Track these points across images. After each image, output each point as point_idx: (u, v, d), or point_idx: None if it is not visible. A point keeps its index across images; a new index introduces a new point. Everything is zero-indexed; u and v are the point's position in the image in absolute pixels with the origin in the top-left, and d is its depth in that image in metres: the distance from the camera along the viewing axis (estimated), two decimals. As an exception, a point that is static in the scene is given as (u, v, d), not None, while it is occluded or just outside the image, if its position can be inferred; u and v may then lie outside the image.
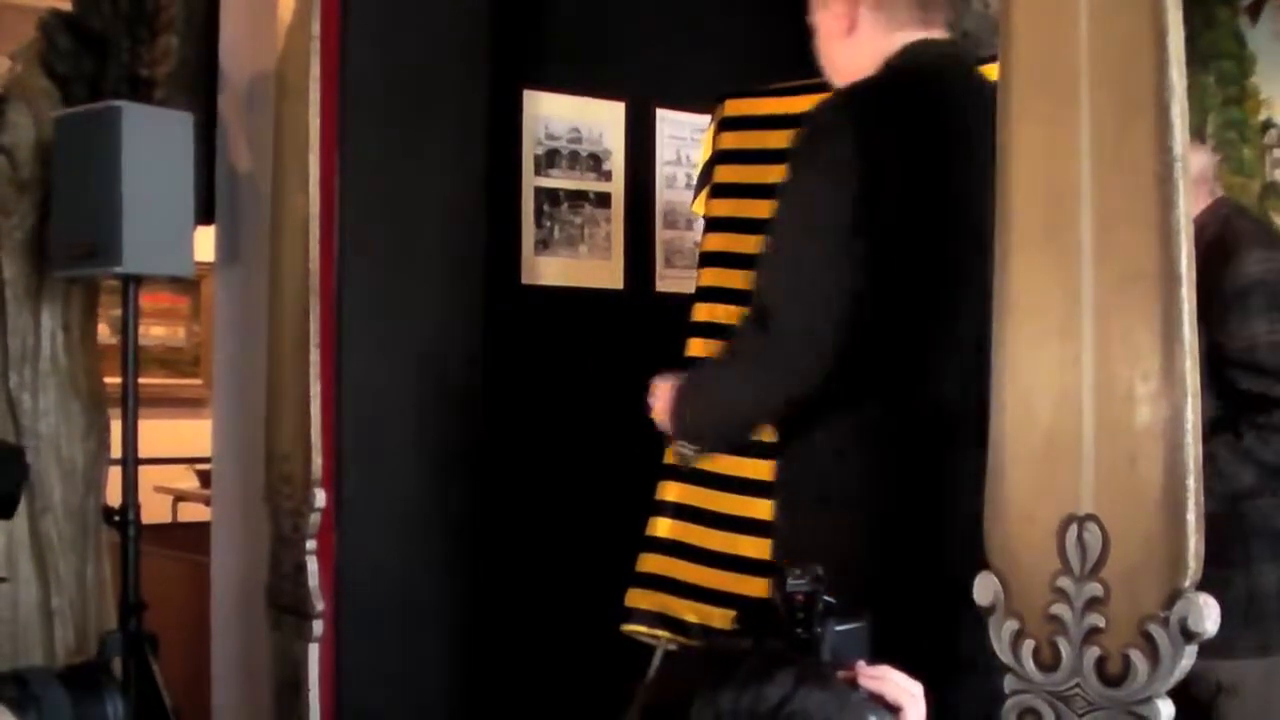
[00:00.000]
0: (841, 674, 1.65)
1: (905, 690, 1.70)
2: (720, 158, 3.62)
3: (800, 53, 3.77)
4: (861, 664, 1.73)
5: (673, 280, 4.32)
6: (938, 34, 2.51)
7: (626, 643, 3.44)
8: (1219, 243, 3.13)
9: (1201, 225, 3.23)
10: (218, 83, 4.09)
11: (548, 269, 3.83)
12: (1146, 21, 1.97)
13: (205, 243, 4.03)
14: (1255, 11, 4.84)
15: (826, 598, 1.80)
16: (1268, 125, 4.74)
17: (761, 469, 3.18)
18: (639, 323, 3.58)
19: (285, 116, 3.66)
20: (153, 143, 3.49)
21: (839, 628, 1.78)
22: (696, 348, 3.45)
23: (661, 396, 2.56)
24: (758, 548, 3.22)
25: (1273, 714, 3.09)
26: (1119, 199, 1.99)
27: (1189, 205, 1.96)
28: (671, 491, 3.50)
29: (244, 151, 4.05)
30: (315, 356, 3.48)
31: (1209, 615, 1.93)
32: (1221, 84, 4.80)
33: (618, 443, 3.47)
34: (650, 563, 3.50)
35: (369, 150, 3.75)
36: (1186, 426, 1.94)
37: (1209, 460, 2.83)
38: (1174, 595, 1.94)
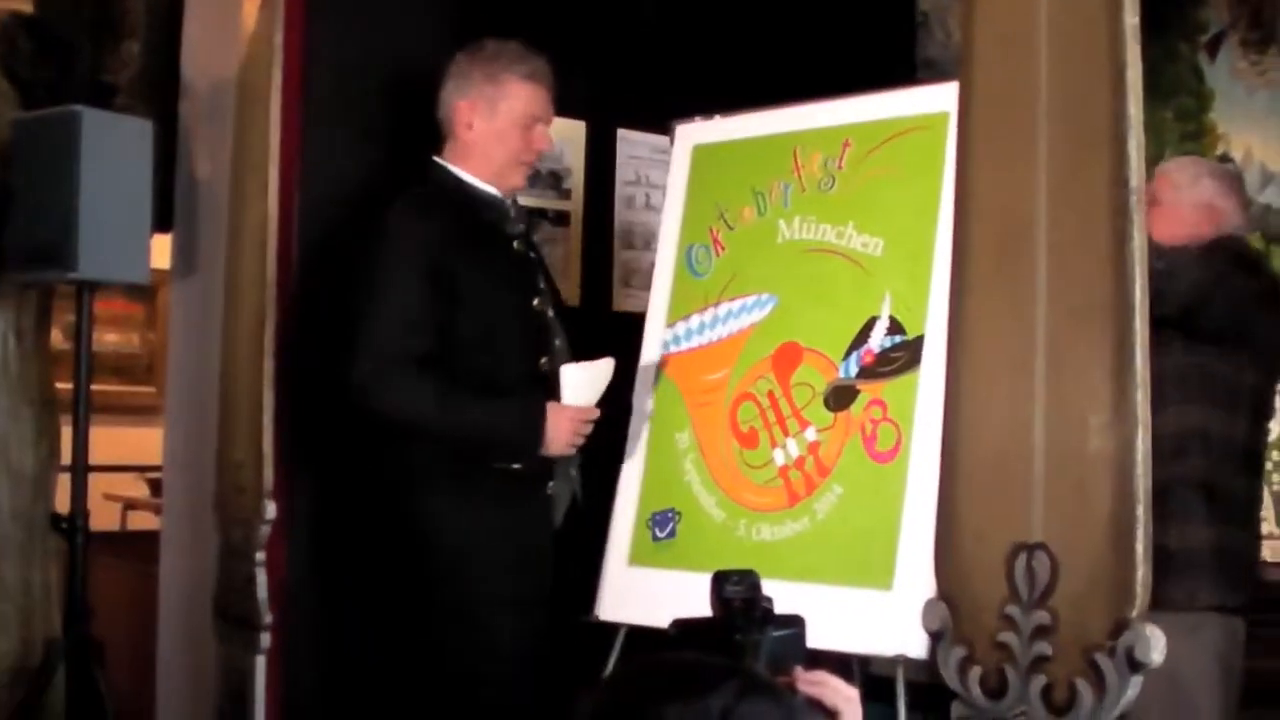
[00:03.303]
0: (780, 680, 1.65)
1: (843, 694, 1.71)
2: None
3: (760, 76, 3.80)
4: (799, 670, 1.73)
5: (630, 300, 4.31)
6: None
7: (587, 637, 3.43)
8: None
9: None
10: (179, 89, 4.07)
11: (505, 285, 3.81)
12: (1105, 56, 1.99)
13: (162, 250, 4.01)
14: (1214, 48, 4.89)
15: (764, 604, 1.80)
16: (1224, 160, 4.79)
17: None
18: (596, 342, 3.58)
19: (246, 125, 3.65)
20: (112, 149, 3.47)
21: (776, 634, 1.78)
22: None
23: None
24: None
25: (1193, 668, 3.14)
26: (1073, 231, 2.01)
27: (1143, 238, 1.97)
28: None
29: (203, 159, 4.03)
30: (270, 366, 3.47)
31: (1155, 645, 1.94)
32: (1180, 119, 4.85)
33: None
34: None
35: (329, 161, 3.74)
36: (1137, 457, 1.95)
37: None
38: (1121, 625, 1.95)
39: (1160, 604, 3.14)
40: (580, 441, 3.34)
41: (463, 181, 3.43)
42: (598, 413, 3.35)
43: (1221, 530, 3.33)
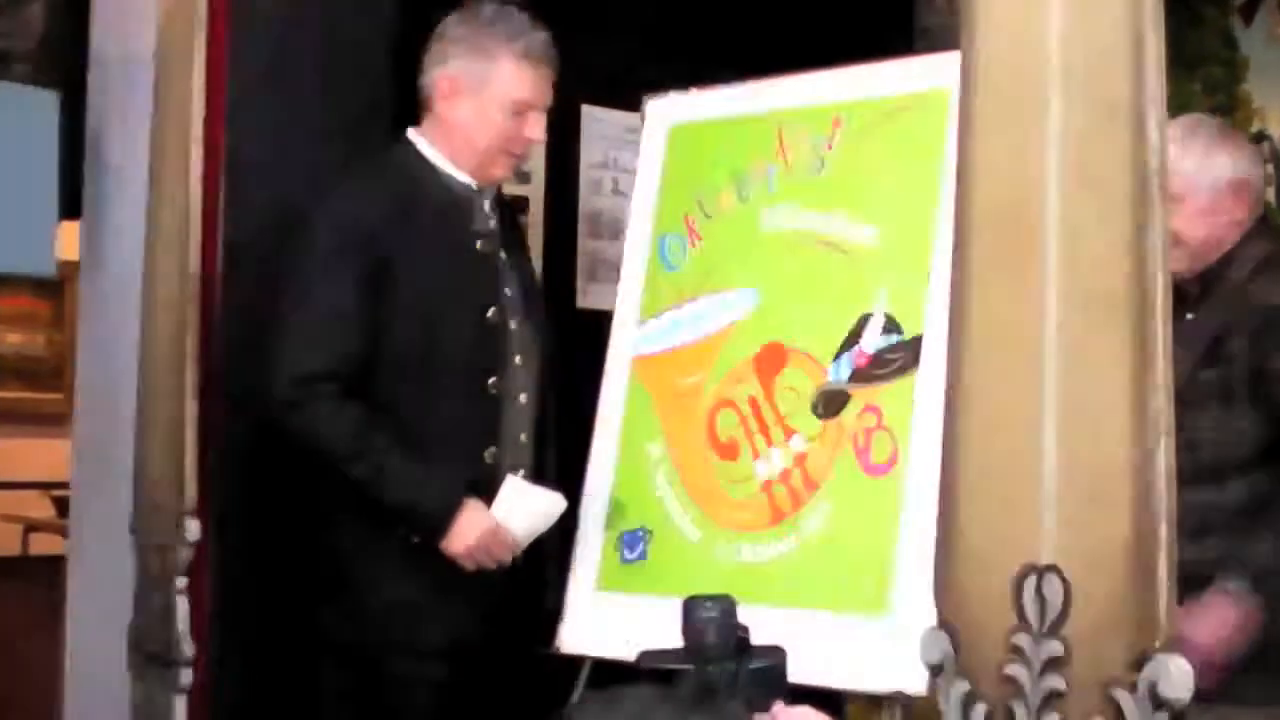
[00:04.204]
0: (759, 716, 1.65)
1: None
2: None
3: (742, 47, 3.80)
4: (779, 705, 1.74)
5: (597, 296, 4.31)
6: None
7: (550, 666, 3.44)
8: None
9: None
10: (88, 59, 4.06)
11: (457, 280, 3.81)
12: (1123, 20, 2.00)
13: (70, 240, 4.00)
14: (1249, 12, 4.88)
15: (740, 633, 1.81)
16: (1260, 137, 4.77)
17: None
18: (558, 343, 3.58)
19: (166, 99, 3.64)
20: (11, 124, 3.47)
21: (753, 665, 1.79)
22: None
23: None
24: None
25: None
26: (1088, 217, 2.01)
27: (1166, 224, 1.98)
28: None
29: (117, 137, 4.02)
30: (192, 371, 3.46)
31: (1183, 681, 1.94)
32: (1208, 91, 4.85)
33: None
34: None
35: (260, 142, 3.72)
36: (1159, 469, 1.96)
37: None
38: (1143, 657, 1.95)
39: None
40: (487, 563, 3.29)
41: (431, 165, 3.41)
42: (516, 547, 3.32)
43: None
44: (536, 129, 3.45)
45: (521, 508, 3.30)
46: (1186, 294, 3.23)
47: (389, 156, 3.44)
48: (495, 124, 3.38)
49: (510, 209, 3.74)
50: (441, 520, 3.24)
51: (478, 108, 3.38)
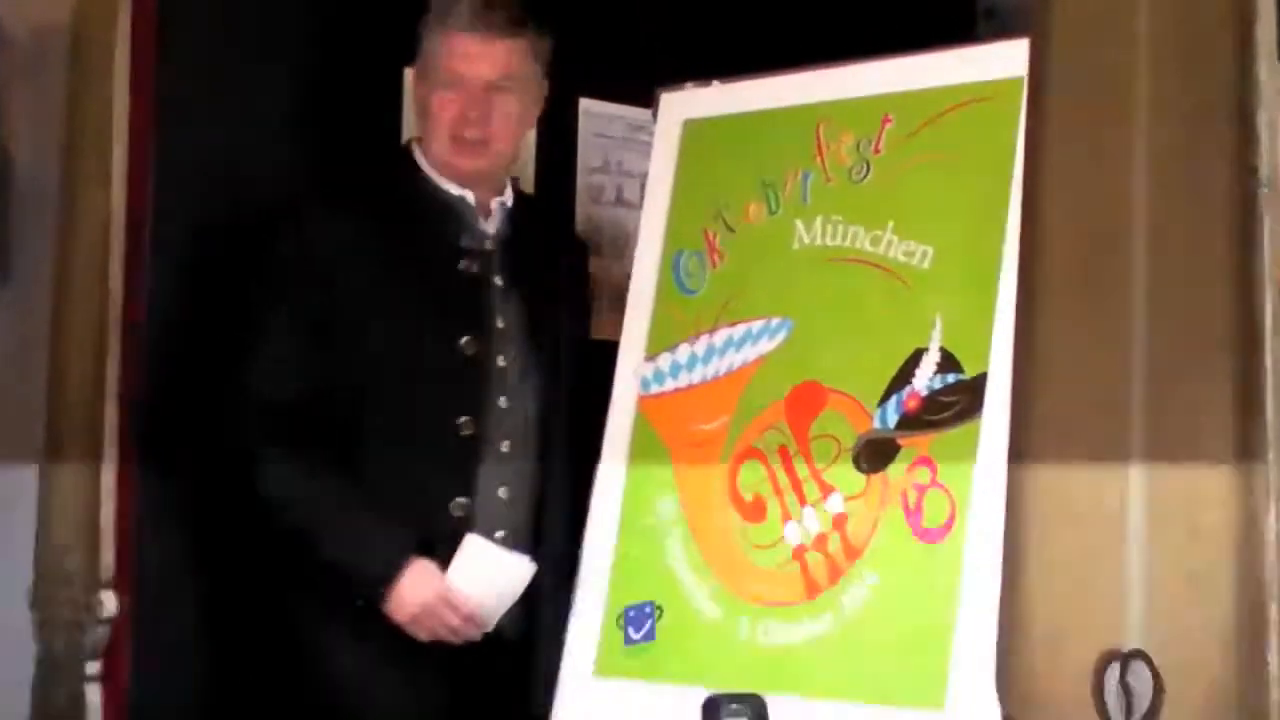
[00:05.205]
0: None
1: None
2: None
3: (773, 31, 3.81)
4: None
5: (598, 324, 4.30)
6: None
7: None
8: None
9: None
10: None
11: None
12: (1225, 3, 2.01)
13: (-34, 253, 4.01)
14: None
15: None
16: None
17: None
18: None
19: (82, 86, 3.65)
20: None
21: None
22: None
23: None
24: None
25: None
26: (1184, 235, 2.02)
27: (1277, 243, 1.99)
28: None
29: (22, 131, 4.03)
30: (111, 412, 3.46)
31: (1297, 790, 1.95)
32: (1330, 87, 4.87)
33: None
34: None
35: (197, 139, 3.74)
36: (1268, 538, 1.96)
37: None
38: (1249, 761, 1.96)
39: None
40: (442, 634, 3.31)
41: (424, 174, 3.50)
42: (471, 615, 3.32)
43: None
44: (471, 100, 3.44)
45: (482, 571, 3.32)
46: None
47: (376, 165, 3.54)
48: (434, 105, 3.45)
49: (543, 223, 3.79)
50: (382, 580, 3.27)
51: (423, 96, 3.49)
